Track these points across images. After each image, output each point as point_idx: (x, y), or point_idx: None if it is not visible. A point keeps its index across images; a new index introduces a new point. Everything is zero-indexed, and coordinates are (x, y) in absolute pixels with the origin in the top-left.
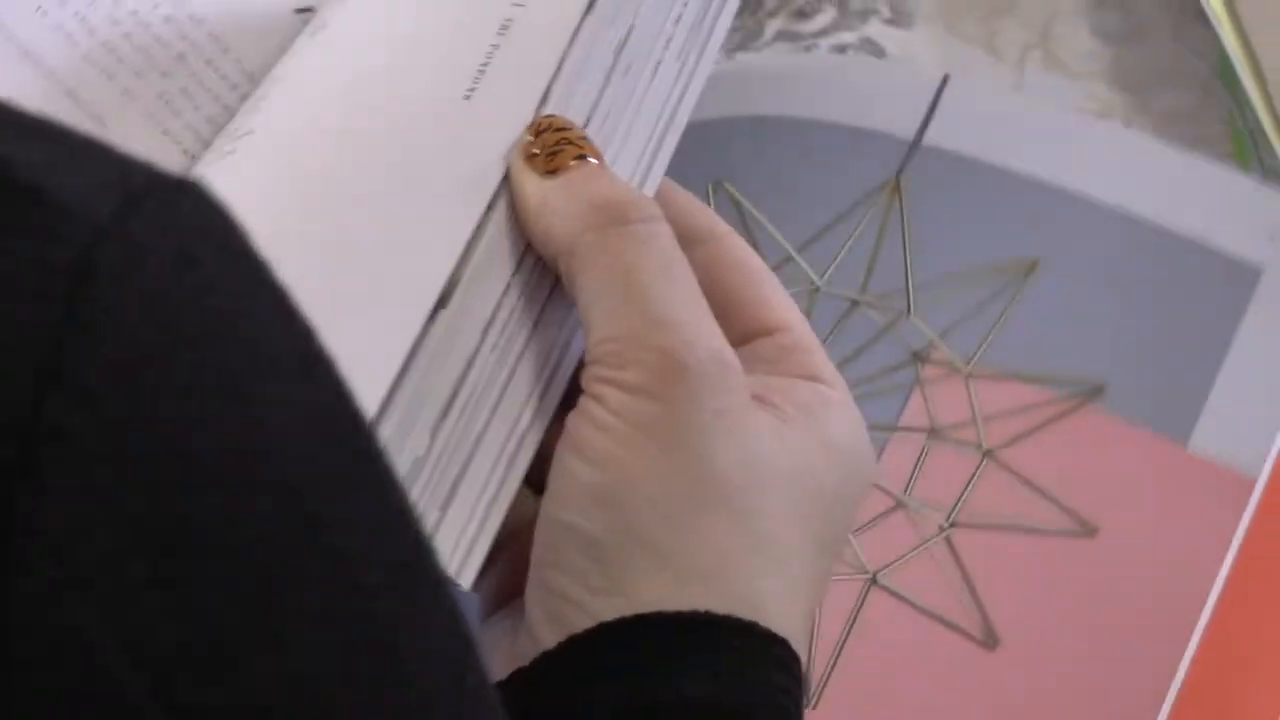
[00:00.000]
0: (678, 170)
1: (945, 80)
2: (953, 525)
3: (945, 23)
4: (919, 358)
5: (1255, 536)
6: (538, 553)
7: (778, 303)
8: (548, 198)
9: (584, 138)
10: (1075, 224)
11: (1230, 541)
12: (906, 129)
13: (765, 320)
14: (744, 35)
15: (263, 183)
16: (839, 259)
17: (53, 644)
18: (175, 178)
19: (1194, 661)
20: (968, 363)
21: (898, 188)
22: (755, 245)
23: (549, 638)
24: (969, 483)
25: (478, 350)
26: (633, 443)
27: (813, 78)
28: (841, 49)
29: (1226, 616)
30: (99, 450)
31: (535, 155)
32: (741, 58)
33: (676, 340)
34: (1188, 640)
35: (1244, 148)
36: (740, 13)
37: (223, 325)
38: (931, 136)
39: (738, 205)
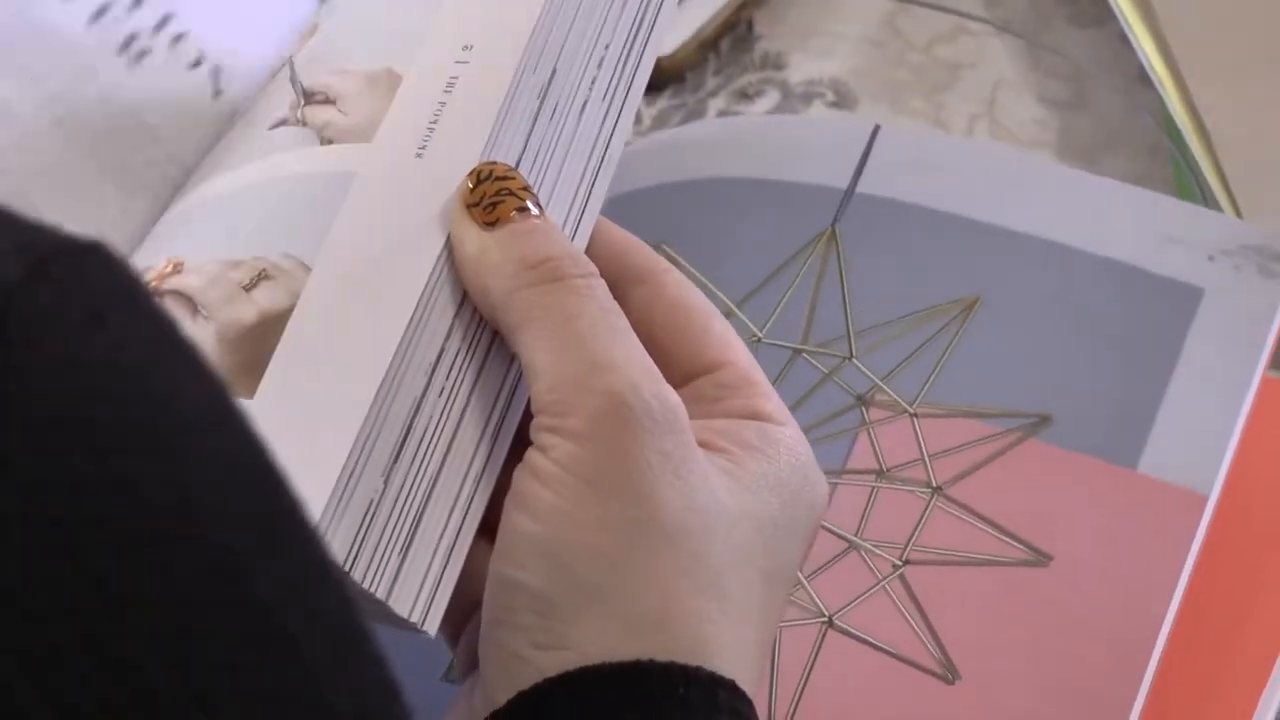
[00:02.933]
0: None
1: (876, 129)
2: (906, 563)
3: (890, 102)
4: (863, 401)
5: (1211, 552)
6: (488, 611)
7: (719, 338)
8: (486, 251)
9: (525, 188)
10: (1013, 260)
11: (1185, 558)
12: (840, 179)
13: (706, 357)
14: (686, 114)
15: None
16: (778, 310)
17: None
18: (81, 241)
19: (1155, 681)
20: (912, 403)
21: (834, 236)
22: None
23: (502, 696)
24: (920, 520)
25: (425, 392)
26: (577, 494)
27: (745, 139)
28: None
29: (1186, 633)
30: (16, 513)
31: (475, 205)
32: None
33: (620, 382)
34: (1148, 660)
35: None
36: (681, 92)
37: (136, 383)
38: (865, 184)
39: (676, 265)
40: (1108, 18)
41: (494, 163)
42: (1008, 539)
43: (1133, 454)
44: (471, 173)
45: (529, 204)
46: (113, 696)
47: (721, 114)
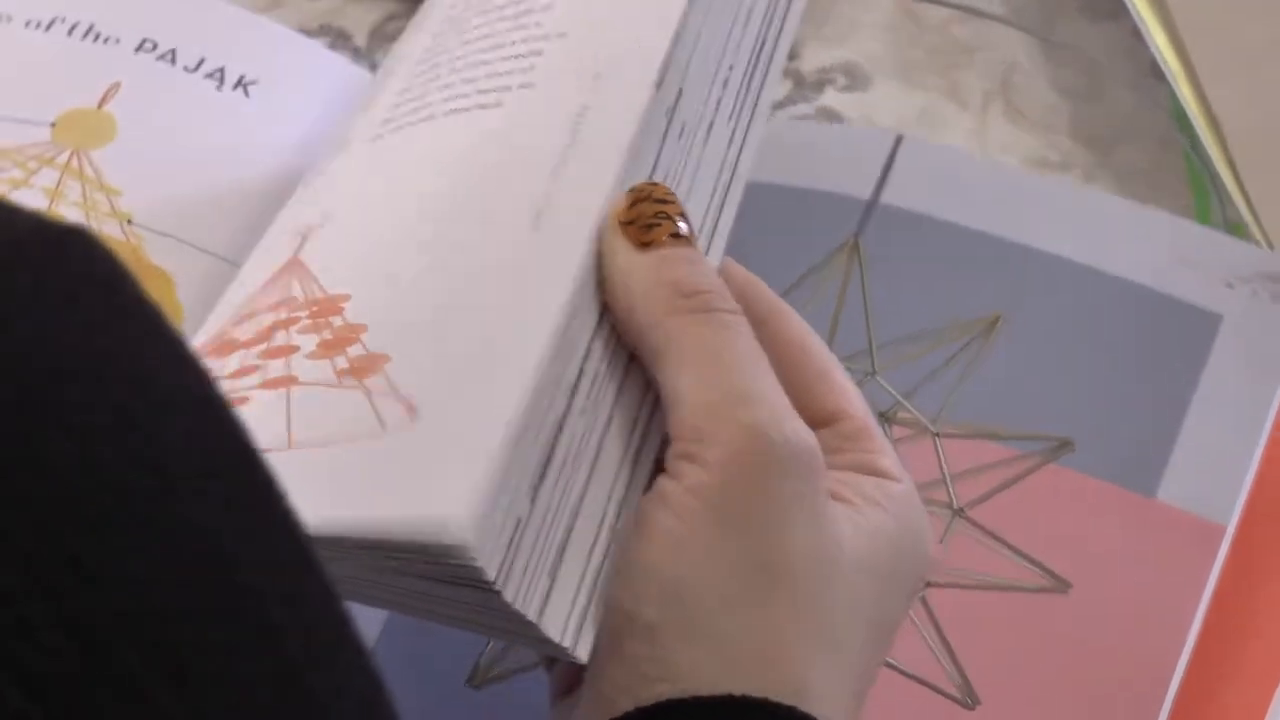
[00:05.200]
0: None
1: (899, 140)
2: (928, 585)
3: (904, 79)
4: (886, 418)
5: (1227, 582)
6: (597, 637)
7: (838, 387)
8: (637, 272)
9: (682, 214)
10: (1033, 279)
11: (1203, 590)
12: (863, 189)
13: (825, 406)
14: None
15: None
16: None
17: None
18: (61, 226)
19: (1173, 711)
20: (934, 421)
21: (856, 248)
22: None
23: None
24: (941, 542)
25: (566, 412)
26: (705, 526)
27: (767, 143)
28: (799, 120)
29: (1203, 664)
30: None
31: (630, 224)
32: None
33: (765, 417)
34: (1166, 690)
35: (1204, 200)
36: None
37: (112, 366)
38: (888, 196)
39: None
40: (1121, 11)
41: (654, 184)
42: (1028, 564)
43: (1151, 482)
44: (631, 190)
45: (684, 231)
46: (85, 675)
47: None
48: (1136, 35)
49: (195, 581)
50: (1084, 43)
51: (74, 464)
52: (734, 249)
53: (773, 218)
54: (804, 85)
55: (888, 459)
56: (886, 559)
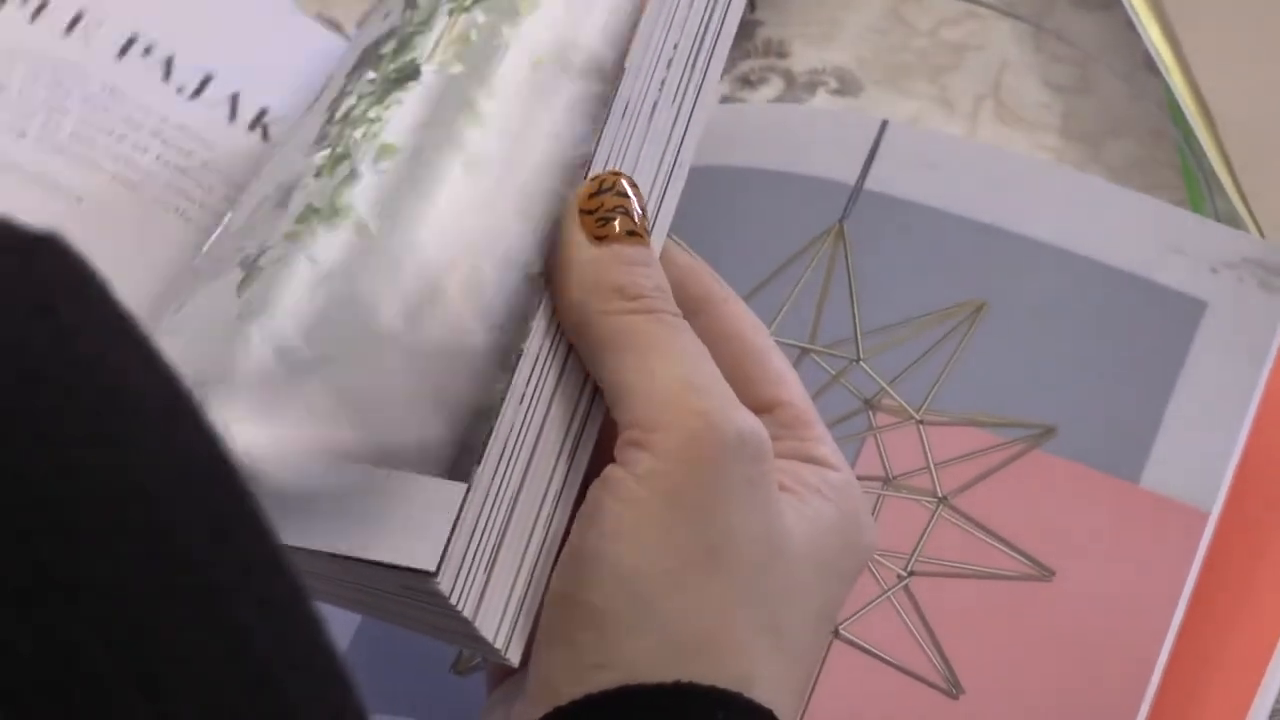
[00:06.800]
0: None
1: (884, 125)
2: (911, 574)
3: (895, 85)
4: (870, 405)
5: (1211, 567)
6: (543, 626)
7: (775, 375)
8: (587, 266)
9: (642, 211)
10: (1019, 264)
11: (1187, 576)
12: (848, 175)
13: (762, 395)
14: None
15: None
16: (786, 307)
17: None
18: (33, 232)
19: (1158, 697)
20: (918, 409)
21: (842, 233)
22: None
23: (542, 710)
24: (925, 531)
25: (505, 394)
26: (653, 513)
27: (751, 126)
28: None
29: (1187, 649)
30: None
31: (589, 213)
32: None
33: (715, 406)
34: (1150, 674)
35: (1197, 192)
36: None
37: (82, 373)
38: (873, 181)
39: None
40: (1113, 2)
41: (618, 173)
42: (1011, 552)
43: (1135, 468)
44: (594, 179)
45: (639, 229)
46: (56, 679)
47: (724, 100)
48: (1129, 26)
49: (166, 586)
50: (1076, 34)
51: (44, 471)
52: (719, 234)
53: (758, 202)
54: (795, 86)
55: (826, 447)
56: (830, 547)
